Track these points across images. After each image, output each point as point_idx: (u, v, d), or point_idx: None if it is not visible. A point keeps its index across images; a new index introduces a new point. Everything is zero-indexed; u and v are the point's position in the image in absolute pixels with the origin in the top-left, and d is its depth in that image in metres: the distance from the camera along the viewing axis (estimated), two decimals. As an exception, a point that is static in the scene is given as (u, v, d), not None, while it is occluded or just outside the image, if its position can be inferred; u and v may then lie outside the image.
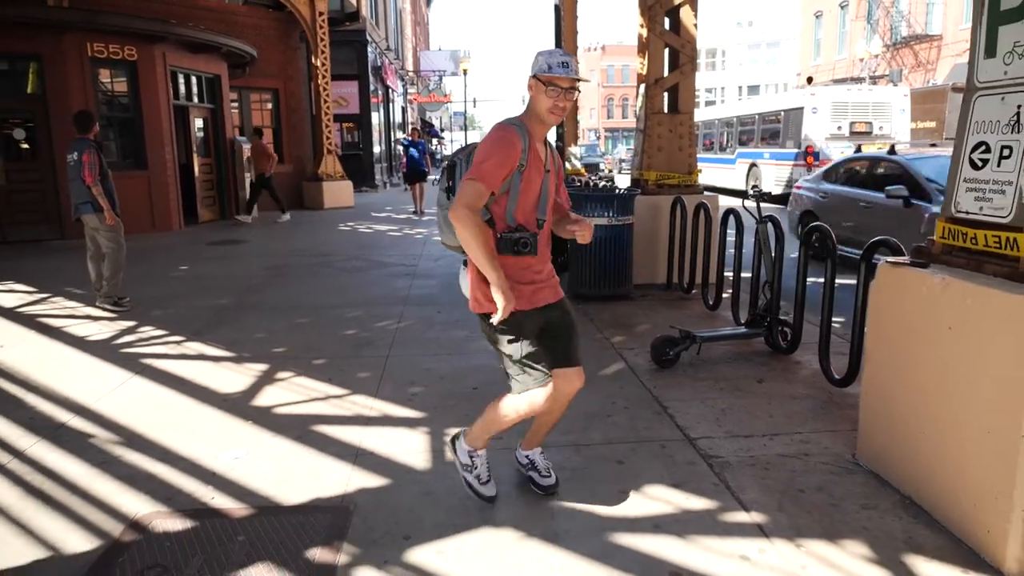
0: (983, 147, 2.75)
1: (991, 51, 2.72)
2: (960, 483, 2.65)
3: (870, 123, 16.89)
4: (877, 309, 3.17)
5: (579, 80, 2.55)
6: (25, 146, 11.78)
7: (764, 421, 3.79)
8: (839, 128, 16.79)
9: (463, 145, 3.42)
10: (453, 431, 3.64)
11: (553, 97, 2.53)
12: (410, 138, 16.82)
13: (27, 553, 2.63)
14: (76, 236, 11.24)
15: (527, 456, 3.08)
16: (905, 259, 3.10)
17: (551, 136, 2.87)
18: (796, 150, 17.12)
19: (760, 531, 2.71)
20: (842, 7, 33.12)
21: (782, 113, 18.29)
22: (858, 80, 27.47)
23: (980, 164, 2.76)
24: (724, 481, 3.11)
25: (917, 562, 2.50)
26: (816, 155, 16.70)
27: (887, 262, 3.12)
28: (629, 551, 2.59)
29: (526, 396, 2.71)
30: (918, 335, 2.89)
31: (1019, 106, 2.58)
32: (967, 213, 2.81)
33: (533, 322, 2.68)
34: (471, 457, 2.96)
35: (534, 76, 2.56)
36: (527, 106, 2.66)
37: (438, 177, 3.48)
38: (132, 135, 12.65)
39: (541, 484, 3.03)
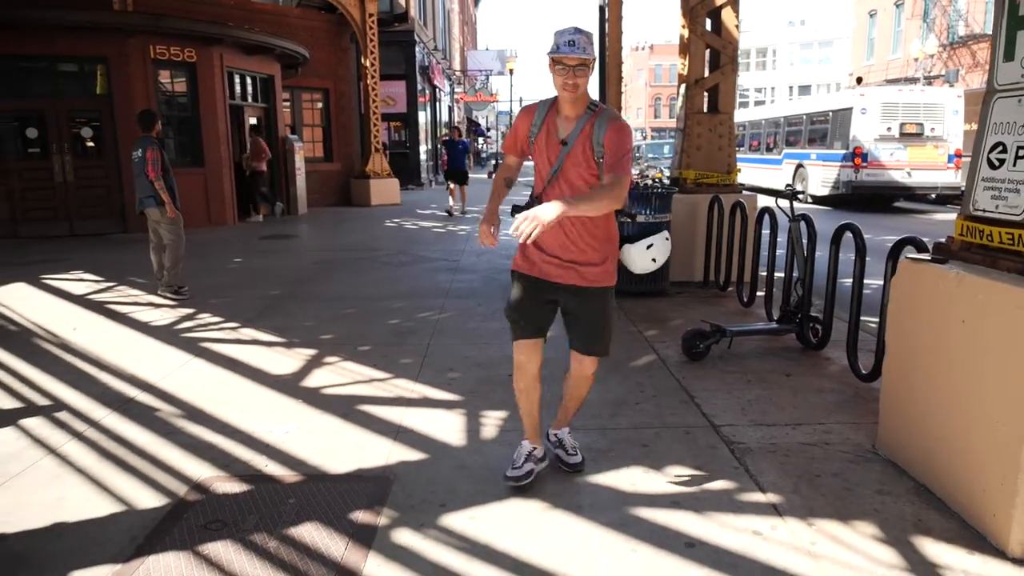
0: (1000, 147, 2.84)
1: (1010, 55, 2.82)
2: (969, 470, 2.75)
3: (921, 124, 16.57)
4: (898, 304, 3.28)
5: (587, 59, 2.67)
6: (91, 144, 12.44)
7: (788, 412, 3.91)
8: (888, 129, 16.52)
9: None
10: (488, 413, 3.90)
11: (563, 75, 2.70)
12: (451, 136, 16.64)
13: (106, 507, 2.93)
14: (138, 230, 11.87)
15: (555, 435, 3.27)
16: (925, 256, 3.21)
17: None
18: (844, 151, 16.90)
19: (774, 510, 2.86)
20: (897, 6, 32.34)
21: (830, 113, 18.05)
22: (912, 81, 26.83)
23: (997, 164, 2.86)
24: (744, 465, 3.26)
25: (924, 543, 2.62)
26: (864, 156, 16.48)
27: (907, 258, 3.23)
28: (647, 523, 2.77)
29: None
30: (934, 329, 3.00)
31: (1035, 108, 2.68)
32: (984, 211, 2.90)
33: (530, 286, 2.92)
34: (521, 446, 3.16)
35: (549, 55, 2.74)
36: None
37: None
38: (190, 133, 13.23)
39: (568, 462, 3.22)
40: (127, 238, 11.77)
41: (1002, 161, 2.82)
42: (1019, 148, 2.73)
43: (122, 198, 12.27)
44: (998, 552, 2.54)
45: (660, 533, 2.70)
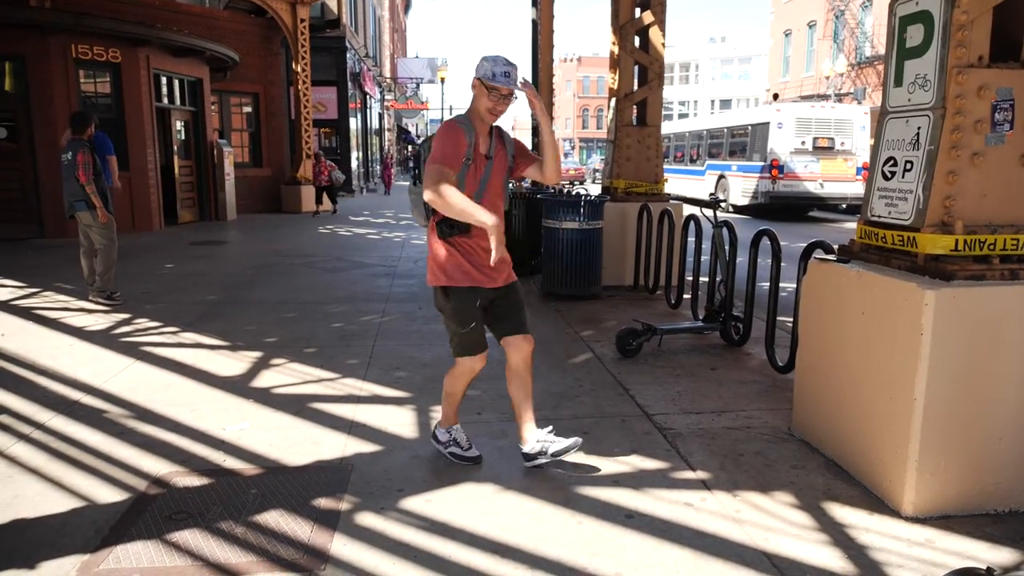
0: (892, 161, 3.25)
1: (899, 81, 3.23)
2: (870, 443, 3.13)
3: (832, 139, 17.64)
4: (808, 299, 3.66)
5: (519, 90, 2.94)
6: (7, 144, 11.93)
7: (714, 401, 4.26)
8: (803, 143, 17.52)
9: (426, 136, 3.90)
10: (437, 408, 4.08)
11: (494, 101, 2.94)
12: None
13: (65, 503, 2.98)
14: (57, 235, 11.51)
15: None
16: (831, 256, 3.60)
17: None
18: (762, 163, 17.83)
19: (703, 485, 3.17)
20: (810, 27, 34.20)
21: (749, 127, 19.01)
22: (824, 97, 28.42)
23: (890, 176, 3.26)
24: (675, 447, 3.57)
25: (833, 507, 2.97)
26: (781, 168, 17.43)
27: (816, 259, 3.62)
28: (591, 499, 3.03)
29: (461, 362, 3.20)
30: (838, 320, 3.38)
31: (919, 127, 3.09)
32: (879, 217, 3.30)
33: (470, 298, 3.06)
34: (449, 433, 3.40)
35: (479, 78, 2.95)
36: (470, 104, 3.06)
37: (410, 184, 3.95)
38: (114, 136, 12.79)
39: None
40: (45, 243, 11.37)
41: (894, 173, 3.22)
42: (907, 162, 3.14)
43: (39, 202, 11.84)
44: (894, 512, 2.92)
45: (603, 507, 2.96)
